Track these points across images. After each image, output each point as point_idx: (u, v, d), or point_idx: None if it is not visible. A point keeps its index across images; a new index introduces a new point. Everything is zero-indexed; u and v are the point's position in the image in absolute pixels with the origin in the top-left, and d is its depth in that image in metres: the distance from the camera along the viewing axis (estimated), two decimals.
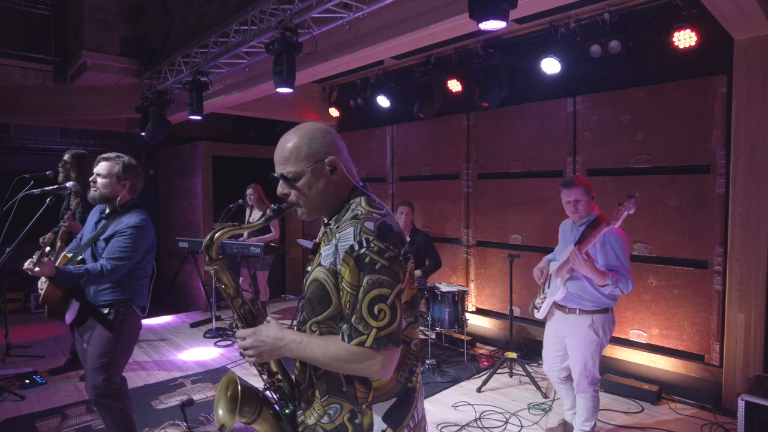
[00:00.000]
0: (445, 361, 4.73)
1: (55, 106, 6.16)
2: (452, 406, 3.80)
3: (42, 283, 2.53)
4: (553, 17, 4.29)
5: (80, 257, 2.65)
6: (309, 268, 1.37)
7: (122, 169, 2.62)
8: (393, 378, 1.30)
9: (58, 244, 3.30)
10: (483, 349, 5.19)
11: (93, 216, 2.80)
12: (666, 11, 3.81)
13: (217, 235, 1.36)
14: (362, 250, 1.20)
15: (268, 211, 1.37)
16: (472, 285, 5.47)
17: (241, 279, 5.79)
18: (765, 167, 3.44)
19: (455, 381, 4.27)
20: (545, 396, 3.93)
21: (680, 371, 3.92)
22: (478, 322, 5.37)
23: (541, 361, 4.65)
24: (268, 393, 1.40)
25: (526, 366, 4.27)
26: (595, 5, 4.03)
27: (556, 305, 3.03)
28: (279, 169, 1.33)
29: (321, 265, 1.28)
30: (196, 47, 4.63)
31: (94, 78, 5.80)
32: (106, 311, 2.55)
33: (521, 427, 3.44)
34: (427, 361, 4.53)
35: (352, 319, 1.21)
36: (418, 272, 4.67)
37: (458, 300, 4.68)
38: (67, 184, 3.17)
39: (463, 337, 4.82)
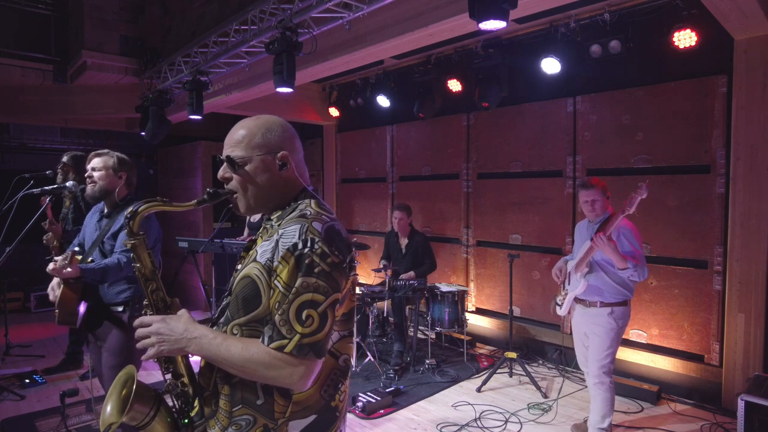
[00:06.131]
0: (445, 361, 4.74)
1: (55, 105, 6.15)
2: (452, 405, 3.80)
3: (54, 287, 2.43)
4: (553, 17, 4.29)
5: (90, 259, 2.60)
6: (239, 266, 1.27)
7: (117, 161, 2.60)
8: (315, 392, 1.21)
9: (54, 242, 3.30)
10: (483, 349, 5.19)
11: (92, 217, 2.75)
12: (666, 11, 3.81)
13: (141, 207, 1.27)
14: (305, 250, 1.12)
15: (204, 194, 1.27)
16: (472, 285, 5.47)
17: None
18: (765, 167, 3.44)
19: (455, 381, 4.28)
20: (545, 396, 3.93)
21: (680, 371, 3.92)
22: (478, 322, 5.37)
23: (541, 361, 4.69)
24: (168, 397, 1.27)
25: (526, 366, 4.27)
26: (595, 5, 4.04)
27: (577, 300, 3.14)
28: (226, 151, 1.26)
29: (256, 261, 1.18)
30: (196, 47, 4.63)
31: (94, 77, 5.79)
32: (120, 309, 2.52)
33: (521, 427, 3.45)
34: (427, 361, 4.53)
35: (277, 320, 1.12)
36: (411, 274, 4.67)
37: (458, 300, 4.69)
38: (67, 184, 3.16)
39: (463, 336, 4.82)
